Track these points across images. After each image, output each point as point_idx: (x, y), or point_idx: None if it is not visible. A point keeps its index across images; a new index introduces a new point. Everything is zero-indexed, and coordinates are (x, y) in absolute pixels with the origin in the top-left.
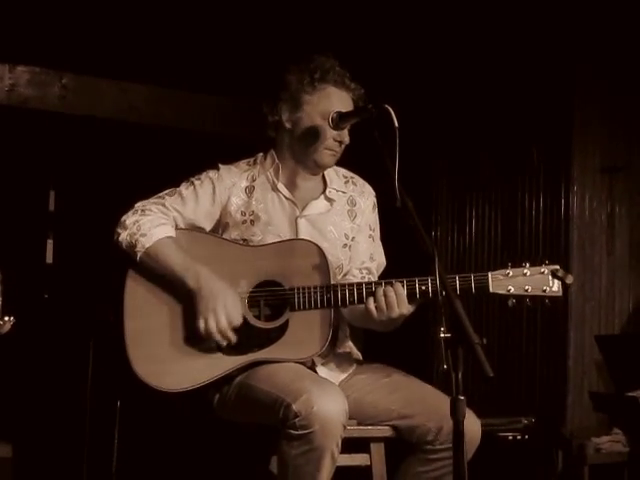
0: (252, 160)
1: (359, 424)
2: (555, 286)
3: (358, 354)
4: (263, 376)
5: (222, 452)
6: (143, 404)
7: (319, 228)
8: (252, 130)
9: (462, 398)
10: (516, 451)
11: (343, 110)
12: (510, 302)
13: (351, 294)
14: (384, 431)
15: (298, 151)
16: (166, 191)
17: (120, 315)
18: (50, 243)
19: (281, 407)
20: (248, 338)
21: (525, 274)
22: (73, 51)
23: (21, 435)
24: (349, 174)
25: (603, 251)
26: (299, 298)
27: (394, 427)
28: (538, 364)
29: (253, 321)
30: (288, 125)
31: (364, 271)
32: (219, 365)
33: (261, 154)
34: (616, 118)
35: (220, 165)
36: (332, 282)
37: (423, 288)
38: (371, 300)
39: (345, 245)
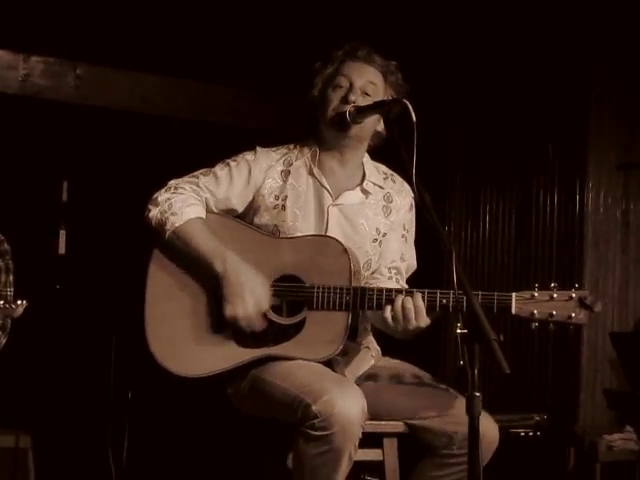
0: (291, 145)
1: (372, 419)
2: (582, 314)
3: (377, 349)
4: (280, 373)
5: (237, 445)
6: (158, 391)
7: (350, 219)
8: (269, 123)
9: (478, 395)
10: (528, 448)
11: (358, 80)
12: (533, 325)
13: (370, 299)
14: (397, 427)
15: (322, 125)
16: (201, 170)
17: (142, 296)
18: (63, 234)
19: (300, 406)
20: (264, 332)
21: (552, 297)
22: (88, 41)
23: (39, 426)
24: (389, 171)
25: (617, 248)
26: (318, 297)
27: (409, 425)
28: (551, 361)
29: (271, 315)
30: (316, 100)
31: (393, 271)
32: (234, 355)
33: (301, 142)
34: (631, 116)
35: (257, 147)
36: (353, 284)
37: (444, 302)
38: (388, 309)
39: (375, 240)
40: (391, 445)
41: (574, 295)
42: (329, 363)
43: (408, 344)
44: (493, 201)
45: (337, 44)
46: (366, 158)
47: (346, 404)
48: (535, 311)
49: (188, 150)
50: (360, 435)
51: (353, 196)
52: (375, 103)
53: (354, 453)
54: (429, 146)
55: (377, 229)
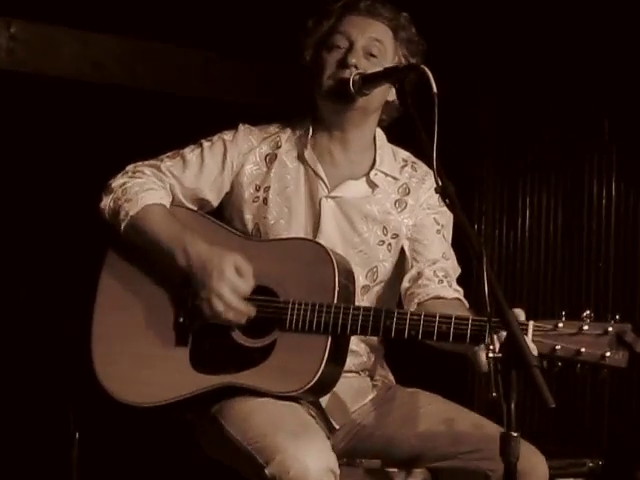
0: (283, 124)
1: (384, 466)
2: (619, 354)
3: (386, 376)
4: (238, 416)
5: None
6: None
7: (349, 216)
8: (251, 95)
9: (516, 435)
10: None
11: (360, 37)
12: (556, 367)
13: (354, 321)
14: (415, 476)
15: (318, 96)
16: (167, 153)
17: (90, 308)
18: None
19: (254, 467)
20: (226, 355)
21: (581, 330)
22: None
23: None
24: (411, 158)
25: None
26: (292, 316)
27: (432, 471)
28: (607, 392)
29: (235, 335)
30: (310, 65)
31: (440, 273)
32: (189, 383)
33: (296, 118)
34: None
35: (240, 125)
36: (337, 301)
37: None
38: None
39: (382, 242)
40: None
41: (611, 329)
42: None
43: (429, 372)
44: (534, 192)
45: None
46: (381, 140)
47: (304, 464)
48: (558, 347)
49: (150, 128)
50: None
51: (356, 187)
52: (386, 70)
53: None
54: (454, 123)
55: (385, 228)
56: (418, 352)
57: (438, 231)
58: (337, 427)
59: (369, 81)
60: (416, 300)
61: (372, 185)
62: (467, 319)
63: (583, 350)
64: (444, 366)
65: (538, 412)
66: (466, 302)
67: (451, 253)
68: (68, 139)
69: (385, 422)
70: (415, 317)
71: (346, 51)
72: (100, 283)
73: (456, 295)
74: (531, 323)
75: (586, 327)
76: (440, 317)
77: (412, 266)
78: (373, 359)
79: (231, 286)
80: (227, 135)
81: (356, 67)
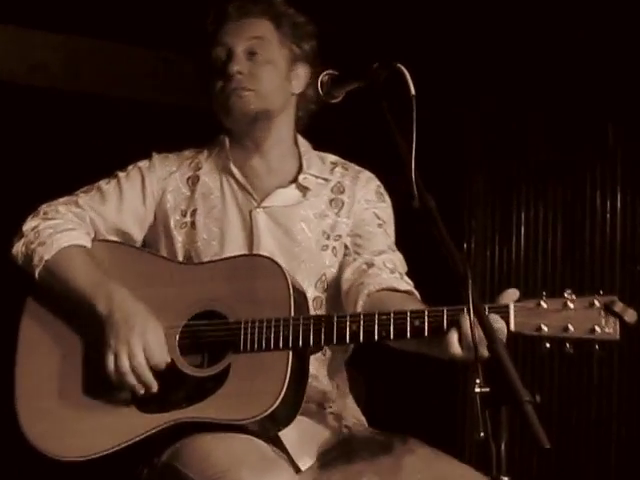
0: (199, 146)
1: None
2: (610, 326)
3: (357, 418)
4: (195, 459)
5: None
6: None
7: (284, 225)
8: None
9: (506, 479)
10: None
11: (237, 42)
12: (543, 347)
13: (317, 331)
14: None
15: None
16: (82, 189)
17: (12, 358)
18: None
19: None
20: (175, 389)
21: (566, 307)
22: None
23: None
24: (340, 160)
25: None
26: (246, 336)
27: None
28: (615, 429)
29: (182, 365)
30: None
31: (389, 264)
32: (131, 427)
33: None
34: None
35: (154, 154)
36: (292, 313)
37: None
38: (455, 336)
39: (326, 247)
40: None
41: (597, 302)
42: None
43: (411, 410)
44: (530, 206)
45: None
46: (304, 146)
47: None
48: (544, 325)
49: (95, 137)
50: None
51: (286, 195)
52: (356, 70)
53: None
54: (437, 129)
55: (324, 232)
56: (394, 387)
57: (380, 225)
58: (302, 469)
59: (339, 82)
60: (366, 291)
61: (303, 189)
62: (441, 310)
63: (570, 326)
64: (426, 404)
65: (530, 453)
66: (418, 295)
67: (396, 249)
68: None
69: (357, 471)
70: (384, 316)
71: (226, 61)
72: (20, 334)
73: (409, 288)
74: (511, 304)
75: (570, 303)
76: (412, 312)
77: (355, 259)
78: (336, 391)
79: (147, 350)
80: (142, 163)
81: (240, 73)
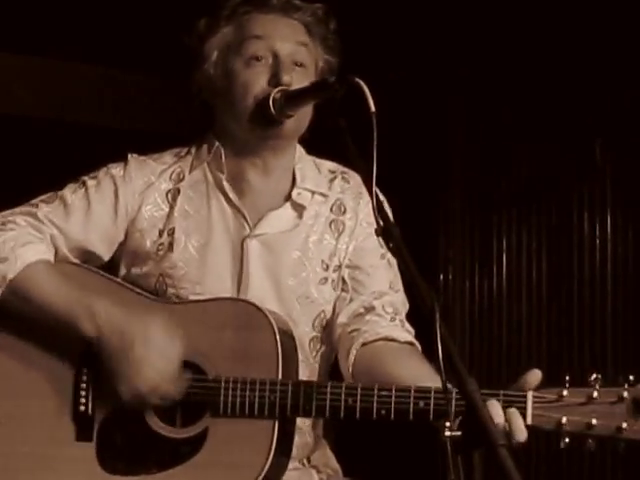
0: (184, 150)
1: None
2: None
3: (333, 468)
4: None
5: None
6: None
7: (280, 255)
8: (171, 123)
9: None
10: None
11: (282, 44)
12: (563, 443)
13: (308, 401)
14: None
15: (232, 119)
16: (42, 196)
17: None
18: None
19: None
20: (145, 449)
21: (591, 399)
22: None
23: None
24: (339, 168)
25: None
26: (227, 397)
27: None
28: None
29: (154, 423)
30: (217, 81)
31: (389, 309)
32: None
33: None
34: None
35: (130, 156)
36: (283, 373)
37: (421, 405)
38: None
39: (324, 280)
40: None
41: (626, 394)
42: None
43: (387, 456)
44: (512, 231)
45: None
46: (299, 152)
47: None
48: (565, 420)
49: (44, 163)
50: None
51: (279, 218)
52: (312, 85)
53: None
54: (405, 145)
55: (322, 262)
56: (369, 433)
57: (382, 256)
58: None
59: (293, 99)
60: (361, 340)
61: (298, 208)
62: (451, 392)
63: (595, 422)
64: (404, 449)
65: None
66: (419, 345)
67: (398, 281)
68: None
69: None
70: (384, 393)
71: (274, 65)
72: None
73: (409, 338)
74: (530, 394)
75: (596, 394)
76: (416, 391)
77: (352, 299)
78: (314, 441)
79: (163, 355)
80: (115, 169)
81: (289, 86)
